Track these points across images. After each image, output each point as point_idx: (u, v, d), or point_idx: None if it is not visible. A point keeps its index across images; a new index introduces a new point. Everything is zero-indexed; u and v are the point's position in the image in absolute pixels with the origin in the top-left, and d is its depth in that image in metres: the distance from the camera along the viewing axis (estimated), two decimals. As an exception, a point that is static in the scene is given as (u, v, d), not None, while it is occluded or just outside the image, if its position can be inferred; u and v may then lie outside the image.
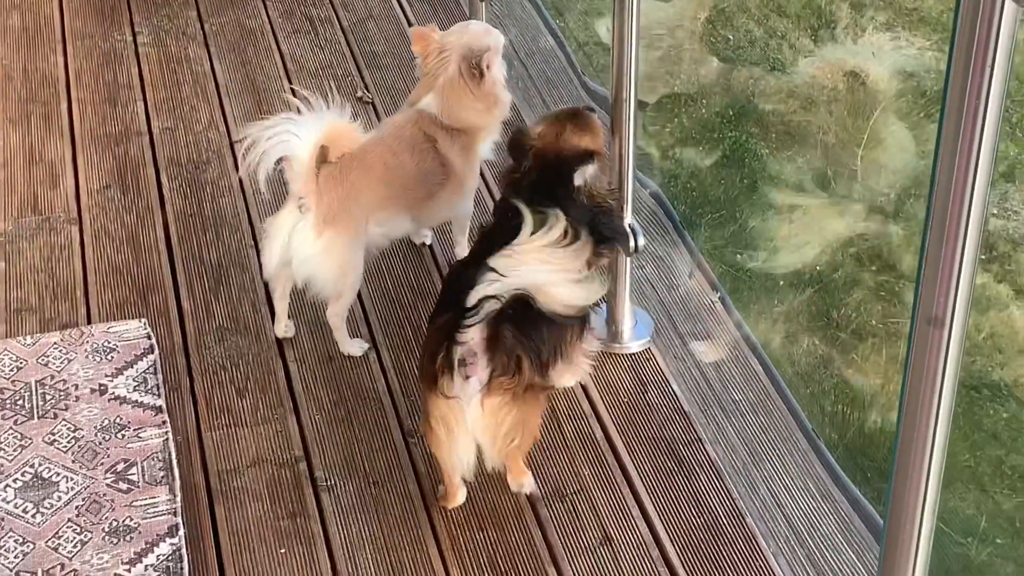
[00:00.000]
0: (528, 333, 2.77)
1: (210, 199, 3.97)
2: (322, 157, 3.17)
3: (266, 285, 3.63)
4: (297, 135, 3.14)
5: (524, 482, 3.04)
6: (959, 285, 1.90)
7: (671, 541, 2.95)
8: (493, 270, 2.75)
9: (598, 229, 3.05)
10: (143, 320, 3.52)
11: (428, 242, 3.75)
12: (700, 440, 3.19)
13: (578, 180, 3.06)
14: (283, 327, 3.48)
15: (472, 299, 2.71)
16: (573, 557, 2.91)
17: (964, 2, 1.72)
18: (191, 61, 4.62)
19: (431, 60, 3.43)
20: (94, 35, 4.76)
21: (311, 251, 3.23)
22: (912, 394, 2.01)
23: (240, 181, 4.03)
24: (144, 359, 3.41)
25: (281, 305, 3.45)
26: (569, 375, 3.24)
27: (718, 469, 3.11)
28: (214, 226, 3.86)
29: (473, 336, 2.72)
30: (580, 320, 2.98)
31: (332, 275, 3.28)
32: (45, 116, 4.34)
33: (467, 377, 2.75)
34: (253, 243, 3.79)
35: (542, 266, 2.80)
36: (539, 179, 3.05)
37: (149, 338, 3.47)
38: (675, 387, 3.33)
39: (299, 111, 3.18)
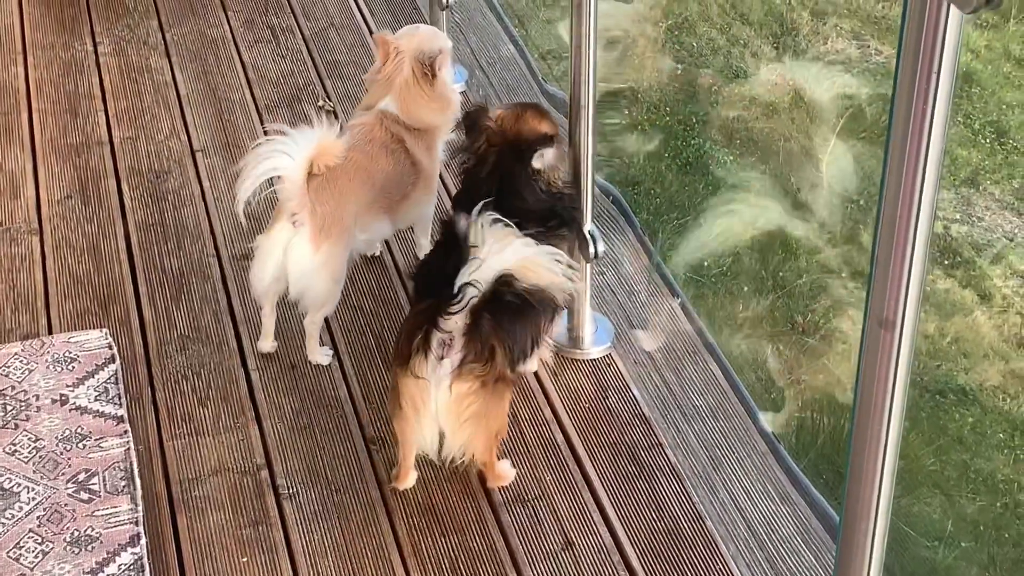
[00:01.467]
0: (504, 324, 2.82)
1: (171, 208, 3.97)
2: (308, 171, 3.20)
3: (228, 294, 3.64)
4: (288, 153, 3.15)
5: (503, 477, 3.07)
6: (909, 287, 1.93)
7: (632, 545, 2.97)
8: (475, 257, 2.79)
9: (558, 213, 3.12)
10: (104, 330, 3.51)
11: (377, 254, 3.77)
12: (660, 445, 3.21)
13: (536, 163, 3.12)
14: (270, 343, 3.48)
15: (457, 284, 2.75)
16: (535, 561, 2.93)
17: (910, 8, 1.75)
18: (152, 71, 4.61)
19: (387, 64, 3.45)
20: (54, 45, 4.75)
21: (309, 265, 3.24)
22: (864, 395, 2.04)
23: (202, 191, 4.03)
24: (105, 369, 3.40)
25: (269, 321, 3.44)
26: (532, 361, 3.28)
27: (678, 473, 3.13)
28: (175, 235, 3.86)
29: (456, 322, 2.76)
30: (552, 309, 3.03)
31: (326, 287, 3.30)
32: (5, 127, 4.32)
33: (440, 359, 2.79)
34: (215, 252, 3.79)
35: (524, 246, 2.86)
36: (498, 160, 3.10)
37: (110, 348, 3.46)
38: (636, 392, 3.35)
39: (284, 133, 3.18)
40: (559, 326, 3.35)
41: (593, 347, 3.46)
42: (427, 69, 3.40)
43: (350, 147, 3.34)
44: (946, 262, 5.56)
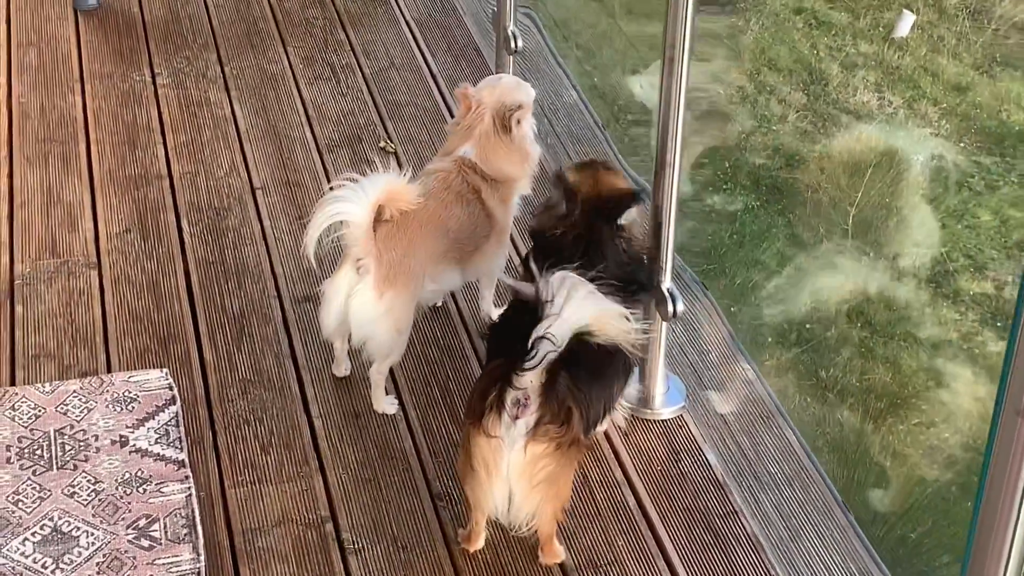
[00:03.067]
0: (582, 385, 2.72)
1: (231, 246, 3.90)
2: (378, 217, 3.13)
3: (289, 337, 3.58)
4: (354, 200, 3.09)
5: (558, 555, 2.98)
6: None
7: (708, 617, 2.88)
8: (552, 312, 2.70)
9: (638, 278, 3.05)
10: (164, 370, 3.44)
11: (440, 304, 3.69)
12: (737, 512, 3.12)
13: (624, 220, 3.05)
14: (344, 369, 3.46)
15: (531, 338, 2.65)
16: (608, 631, 2.84)
17: None
18: (212, 104, 4.56)
19: (467, 115, 3.40)
20: (112, 75, 4.70)
21: (372, 313, 3.18)
22: (994, 484, 1.95)
23: (262, 229, 3.97)
24: (166, 410, 3.33)
25: (341, 352, 3.43)
26: (605, 423, 3.20)
27: (757, 543, 3.04)
28: (236, 275, 3.79)
29: (531, 380, 2.67)
30: (627, 369, 2.95)
31: (389, 336, 3.23)
32: (63, 156, 4.27)
33: (515, 418, 2.70)
34: (276, 293, 3.73)
35: (595, 300, 2.78)
36: (586, 222, 3.03)
37: (171, 389, 3.39)
38: (709, 456, 3.27)
39: (354, 179, 3.12)
40: (631, 386, 3.27)
41: (665, 407, 3.38)
42: (507, 121, 3.34)
43: (425, 194, 3.27)
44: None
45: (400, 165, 4.27)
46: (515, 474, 2.78)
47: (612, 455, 3.26)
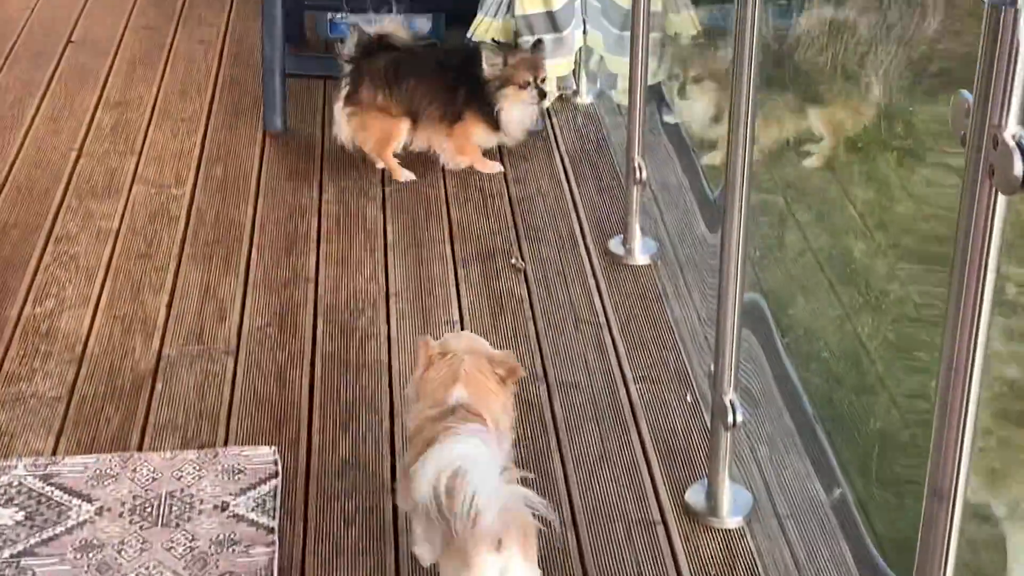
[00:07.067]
0: None
1: (358, 344, 4.23)
2: None
3: (392, 426, 3.85)
4: (485, 462, 2.75)
5: None
6: None
7: None
8: None
9: None
10: (273, 448, 3.76)
11: None
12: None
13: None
14: None
15: None
16: None
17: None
18: (366, 219, 4.96)
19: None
20: (284, 190, 5.16)
21: None
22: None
23: (388, 331, 4.29)
24: (268, 483, 3.64)
25: None
26: None
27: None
28: (355, 369, 4.11)
29: None
30: None
31: None
32: (226, 258, 4.71)
33: None
34: (388, 388, 4.02)
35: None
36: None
37: (276, 464, 3.70)
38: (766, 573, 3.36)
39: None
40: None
41: (730, 517, 3.49)
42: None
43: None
44: None
45: (527, 282, 4.55)
46: None
47: (671, 559, 3.39)
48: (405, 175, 5.24)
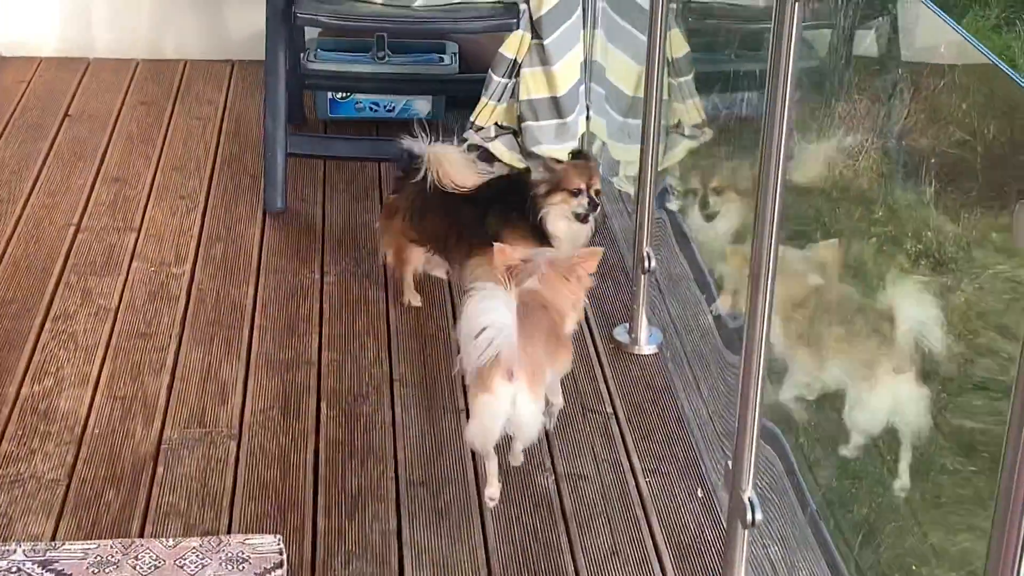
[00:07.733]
0: None
1: (362, 430, 4.18)
2: None
3: (399, 516, 3.79)
4: (502, 307, 3.47)
5: None
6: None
7: None
8: None
9: None
10: (278, 536, 3.69)
11: None
12: None
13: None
14: (496, 487, 3.78)
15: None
16: None
17: None
18: (369, 302, 4.92)
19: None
20: (285, 271, 5.13)
21: (535, 417, 3.62)
22: None
23: (393, 417, 4.24)
24: (273, 573, 3.56)
25: (494, 465, 3.76)
26: None
27: None
28: (360, 455, 4.05)
29: None
30: None
31: (540, 422, 3.70)
32: (227, 339, 4.66)
33: None
34: (394, 475, 3.96)
35: None
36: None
37: (280, 553, 3.63)
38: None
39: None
40: None
41: (747, 616, 3.44)
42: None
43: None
44: None
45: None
46: None
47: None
48: (410, 299, 4.92)
